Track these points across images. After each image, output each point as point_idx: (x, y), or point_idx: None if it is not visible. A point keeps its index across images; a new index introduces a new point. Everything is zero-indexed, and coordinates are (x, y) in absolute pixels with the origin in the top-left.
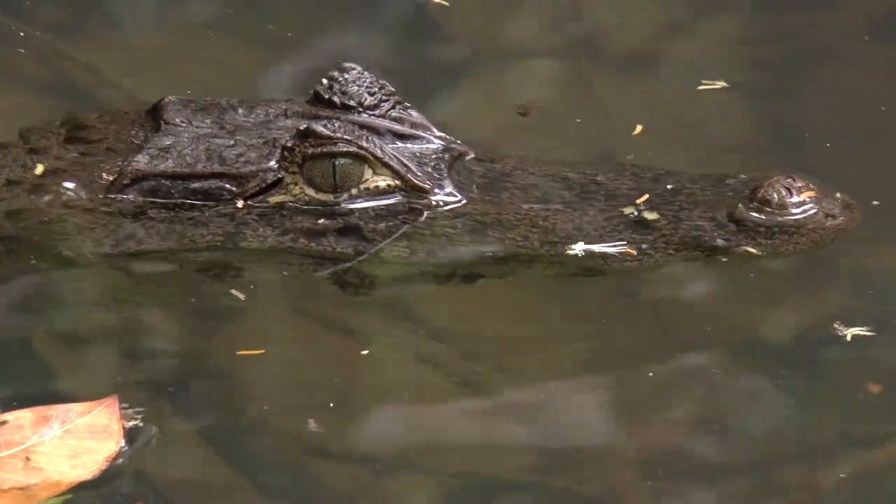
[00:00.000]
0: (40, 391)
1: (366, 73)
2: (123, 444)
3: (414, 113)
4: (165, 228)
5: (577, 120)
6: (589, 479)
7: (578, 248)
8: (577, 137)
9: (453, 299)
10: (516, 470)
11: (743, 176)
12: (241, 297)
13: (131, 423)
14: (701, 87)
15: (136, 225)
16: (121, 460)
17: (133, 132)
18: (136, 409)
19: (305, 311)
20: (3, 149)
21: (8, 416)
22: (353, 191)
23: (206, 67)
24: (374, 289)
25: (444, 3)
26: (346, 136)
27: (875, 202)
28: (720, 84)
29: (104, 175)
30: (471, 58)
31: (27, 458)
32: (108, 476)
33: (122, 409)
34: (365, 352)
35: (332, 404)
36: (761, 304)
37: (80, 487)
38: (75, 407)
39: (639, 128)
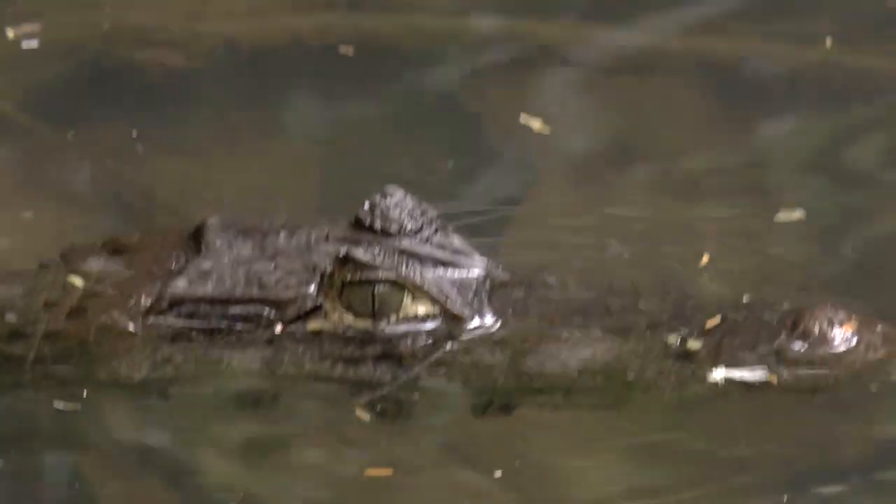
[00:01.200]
0: None
1: (408, 197)
2: None
3: (456, 239)
4: (203, 353)
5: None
6: None
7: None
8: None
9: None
10: None
11: (787, 305)
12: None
13: None
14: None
15: (174, 349)
16: None
17: (174, 254)
18: None
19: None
20: (44, 268)
21: None
22: (392, 317)
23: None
24: (410, 417)
25: (543, 131)
26: (385, 264)
27: None
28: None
29: (143, 298)
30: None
31: None
32: None
33: None
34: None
35: None
36: None
37: None
38: None
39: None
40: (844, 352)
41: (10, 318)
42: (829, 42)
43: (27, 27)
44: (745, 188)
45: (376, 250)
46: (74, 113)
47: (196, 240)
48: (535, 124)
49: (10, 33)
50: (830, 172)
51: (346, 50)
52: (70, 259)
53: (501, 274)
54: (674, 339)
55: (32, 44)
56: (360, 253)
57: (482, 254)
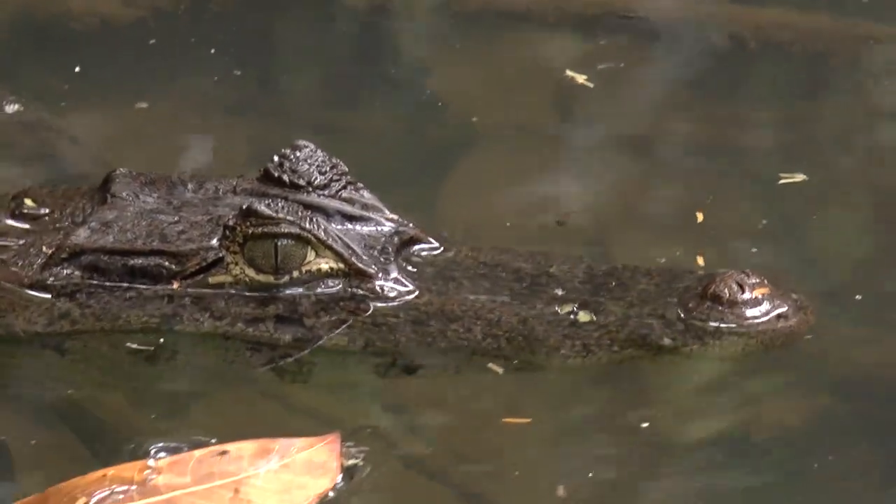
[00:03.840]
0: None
1: (319, 151)
2: (340, 482)
3: (366, 194)
4: (101, 309)
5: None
6: None
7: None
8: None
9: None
10: None
11: (700, 272)
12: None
13: (351, 462)
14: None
15: (72, 304)
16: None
17: (81, 206)
18: (360, 448)
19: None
20: None
21: (231, 446)
22: (295, 273)
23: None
24: (311, 376)
25: (587, 84)
26: (288, 217)
27: None
28: (800, 177)
29: (44, 249)
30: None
31: (236, 490)
32: None
33: (345, 446)
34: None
35: None
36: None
37: None
38: (297, 442)
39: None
40: (755, 320)
41: None
42: None
43: None
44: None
45: (280, 204)
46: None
47: (103, 191)
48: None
49: None
50: None
51: None
52: None
53: (411, 231)
54: (580, 306)
55: None
56: (262, 206)
57: (392, 209)
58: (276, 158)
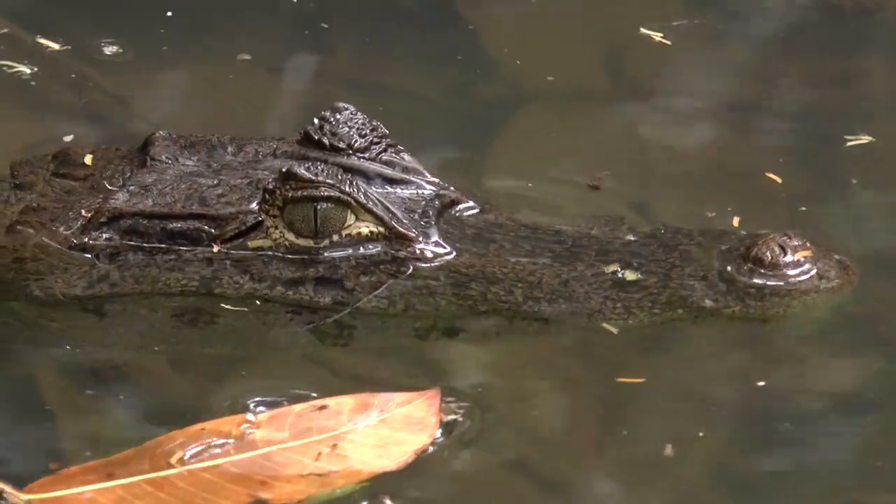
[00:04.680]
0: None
1: (359, 114)
2: (439, 437)
3: (407, 156)
4: (140, 271)
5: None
6: None
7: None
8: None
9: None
10: None
11: (743, 232)
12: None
13: (450, 417)
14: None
15: (112, 267)
16: (431, 450)
17: (121, 169)
18: (460, 404)
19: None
20: None
21: (330, 401)
22: (335, 237)
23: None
24: (352, 340)
25: (665, 41)
26: (328, 180)
27: None
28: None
29: (83, 213)
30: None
31: (334, 445)
32: (412, 469)
33: (444, 401)
34: None
35: None
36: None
37: (380, 478)
38: (397, 397)
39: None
40: (797, 280)
41: None
42: None
43: None
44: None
45: (320, 167)
46: (49, 19)
47: (142, 154)
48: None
49: None
50: None
51: None
52: (18, 173)
53: (452, 194)
54: (622, 267)
55: None
56: (301, 169)
57: (433, 172)
58: (316, 121)
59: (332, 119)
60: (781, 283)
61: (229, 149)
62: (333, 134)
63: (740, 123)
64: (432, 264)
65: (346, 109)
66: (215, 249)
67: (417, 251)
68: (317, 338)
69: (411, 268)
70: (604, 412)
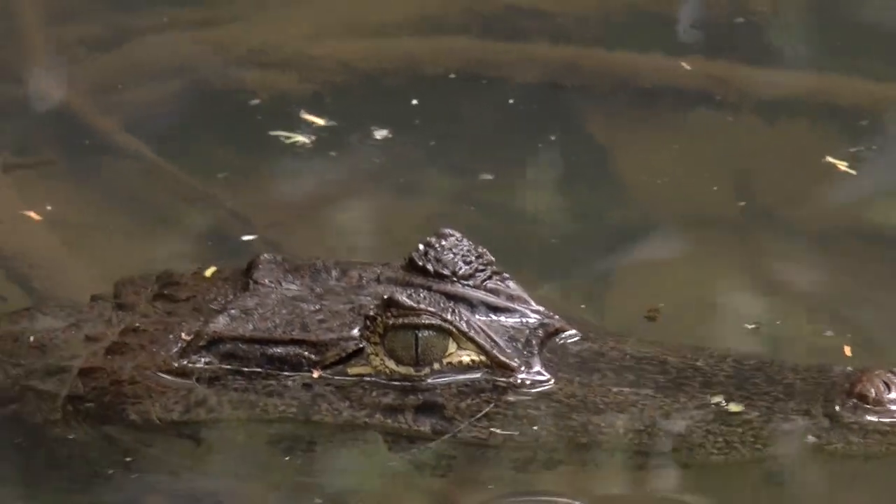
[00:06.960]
0: None
1: (464, 240)
2: None
3: (512, 284)
4: (238, 397)
5: None
6: None
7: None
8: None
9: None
10: None
11: (849, 368)
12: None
13: None
14: None
15: (210, 391)
16: None
17: (223, 291)
18: None
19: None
20: (94, 301)
21: None
22: (436, 365)
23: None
24: (450, 470)
25: (850, 171)
26: (429, 308)
27: None
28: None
29: (183, 336)
30: None
31: None
32: None
33: None
34: None
35: None
36: None
37: None
38: None
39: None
40: None
41: (48, 352)
42: None
43: None
44: None
45: (422, 294)
46: (177, 135)
47: (246, 276)
48: None
49: None
50: None
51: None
52: (120, 292)
53: (557, 323)
54: (725, 400)
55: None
56: (403, 296)
57: (538, 301)
58: (420, 247)
59: (437, 245)
60: (885, 420)
61: (333, 273)
62: (438, 260)
63: None
64: (533, 393)
65: (452, 236)
66: (315, 375)
67: (519, 380)
68: (415, 468)
69: (512, 397)
70: None
